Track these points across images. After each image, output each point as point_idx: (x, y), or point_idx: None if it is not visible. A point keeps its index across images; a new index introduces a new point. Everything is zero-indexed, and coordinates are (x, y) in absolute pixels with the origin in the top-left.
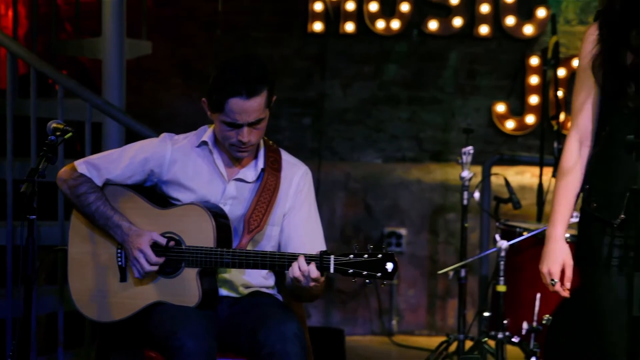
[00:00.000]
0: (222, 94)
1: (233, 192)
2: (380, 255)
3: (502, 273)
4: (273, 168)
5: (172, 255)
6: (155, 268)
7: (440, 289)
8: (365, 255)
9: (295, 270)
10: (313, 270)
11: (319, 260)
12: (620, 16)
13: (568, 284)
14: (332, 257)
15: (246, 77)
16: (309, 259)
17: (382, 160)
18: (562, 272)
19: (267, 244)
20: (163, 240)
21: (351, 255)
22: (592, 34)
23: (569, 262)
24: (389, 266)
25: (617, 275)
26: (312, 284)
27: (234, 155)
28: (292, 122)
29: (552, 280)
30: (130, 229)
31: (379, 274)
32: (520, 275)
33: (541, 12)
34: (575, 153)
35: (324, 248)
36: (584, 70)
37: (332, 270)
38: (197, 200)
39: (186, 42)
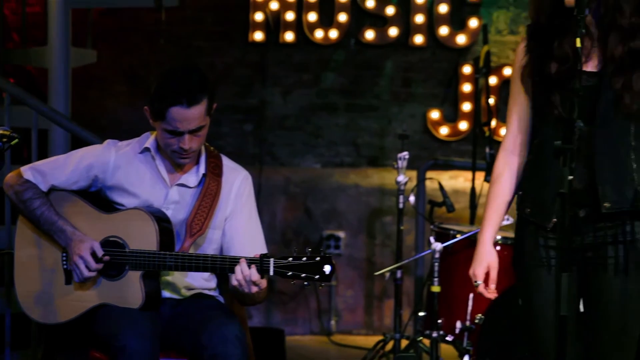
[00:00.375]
0: (164, 103)
1: (175, 197)
2: (318, 258)
3: (436, 274)
4: (214, 173)
5: (116, 259)
6: (93, 274)
7: (377, 290)
8: (304, 258)
9: (238, 273)
10: (254, 273)
11: (259, 263)
12: (545, 28)
13: (492, 286)
14: (272, 259)
15: (186, 87)
16: (249, 261)
17: (321, 166)
18: (488, 274)
19: (209, 247)
20: (100, 252)
21: (290, 258)
22: (522, 46)
23: (494, 265)
24: (327, 268)
25: (547, 275)
26: (253, 288)
27: (176, 161)
28: (233, 128)
29: (477, 281)
30: (74, 234)
31: (317, 276)
32: (454, 276)
33: (473, 23)
34: (505, 161)
35: (264, 250)
36: (515, 81)
37: (271, 273)
38: (140, 205)
39: (130, 51)
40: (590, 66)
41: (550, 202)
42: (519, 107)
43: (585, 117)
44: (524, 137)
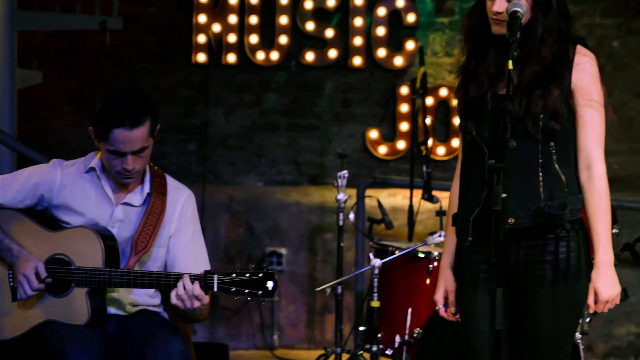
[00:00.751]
0: (107, 125)
1: (120, 216)
2: (261, 275)
3: (375, 289)
4: (159, 192)
5: (62, 276)
6: (36, 292)
7: (319, 305)
8: (247, 275)
9: (180, 288)
10: (196, 288)
11: (203, 279)
12: (472, 52)
13: (452, 309)
14: (216, 276)
15: (129, 109)
16: (193, 278)
17: (263, 184)
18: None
19: (154, 265)
20: (43, 273)
21: (234, 275)
22: (457, 69)
23: (451, 289)
24: (269, 284)
25: (481, 290)
26: (196, 303)
27: (120, 181)
28: (177, 147)
29: (437, 306)
30: (20, 252)
31: (260, 292)
32: (393, 292)
33: (410, 45)
34: (456, 186)
35: (208, 267)
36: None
37: (215, 289)
38: (86, 223)
39: (76, 72)
40: (504, 90)
41: (467, 221)
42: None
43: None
44: None
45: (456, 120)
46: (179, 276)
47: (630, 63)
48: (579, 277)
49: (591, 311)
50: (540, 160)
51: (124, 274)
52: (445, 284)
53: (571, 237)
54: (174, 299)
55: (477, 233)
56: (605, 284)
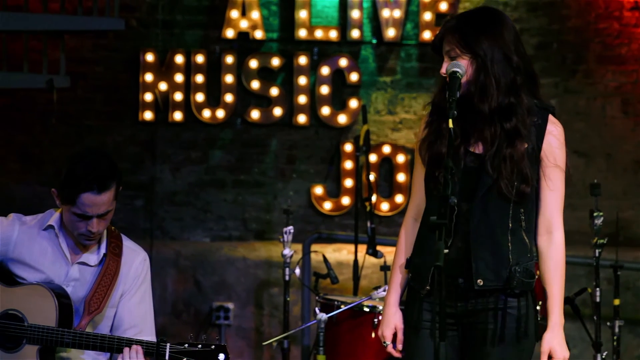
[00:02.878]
0: (75, 189)
1: (76, 275)
2: (213, 347)
3: (322, 343)
4: (114, 253)
5: (14, 332)
6: None
7: (266, 359)
8: (200, 346)
9: (125, 356)
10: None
11: (156, 346)
12: (440, 108)
13: (400, 346)
14: (169, 345)
15: (97, 173)
16: (146, 347)
17: (210, 239)
18: (396, 335)
19: (106, 326)
20: None
21: (186, 345)
22: (423, 120)
23: (400, 326)
24: (221, 357)
25: (426, 338)
26: None
27: (82, 243)
28: (125, 204)
29: (385, 342)
30: None
31: None
32: (339, 345)
33: (353, 103)
34: (409, 229)
35: (152, 332)
36: (417, 155)
37: (167, 358)
38: (41, 280)
39: (23, 129)
40: (478, 149)
41: (427, 270)
42: (419, 181)
43: (467, 195)
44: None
45: (400, 177)
46: (131, 342)
47: (567, 121)
48: (530, 335)
49: None
50: (510, 225)
51: (76, 335)
52: (395, 321)
53: (524, 298)
54: None
55: (433, 283)
56: (560, 343)
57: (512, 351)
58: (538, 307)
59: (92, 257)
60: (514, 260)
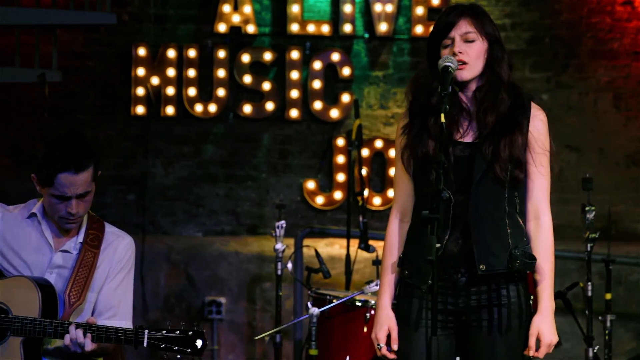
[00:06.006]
0: (52, 169)
1: (59, 262)
2: (191, 332)
3: (314, 338)
4: (91, 245)
5: None
6: None
7: (258, 353)
8: (177, 332)
9: (66, 339)
10: (88, 343)
11: (134, 333)
12: (423, 106)
13: (395, 346)
14: (147, 331)
15: (74, 153)
16: (125, 334)
17: (202, 234)
18: (389, 336)
19: (90, 310)
20: None
21: (164, 331)
22: (400, 126)
23: (394, 327)
24: (199, 343)
25: (425, 335)
26: (79, 350)
27: (63, 226)
28: (117, 198)
29: (379, 344)
30: None
31: (188, 350)
32: (331, 340)
33: (345, 98)
34: (396, 230)
35: (128, 316)
36: (397, 161)
37: (145, 344)
38: (25, 268)
39: (15, 124)
40: (467, 138)
41: (426, 265)
42: (404, 178)
43: (462, 186)
44: (411, 205)
45: (392, 171)
46: (110, 330)
47: (559, 115)
48: (526, 321)
49: (531, 354)
50: (507, 209)
51: (58, 325)
52: (389, 322)
53: (522, 285)
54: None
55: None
56: (549, 327)
57: (509, 343)
58: (531, 302)
59: (73, 245)
60: (514, 243)
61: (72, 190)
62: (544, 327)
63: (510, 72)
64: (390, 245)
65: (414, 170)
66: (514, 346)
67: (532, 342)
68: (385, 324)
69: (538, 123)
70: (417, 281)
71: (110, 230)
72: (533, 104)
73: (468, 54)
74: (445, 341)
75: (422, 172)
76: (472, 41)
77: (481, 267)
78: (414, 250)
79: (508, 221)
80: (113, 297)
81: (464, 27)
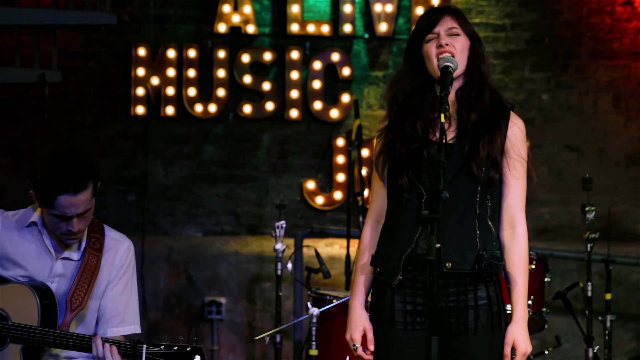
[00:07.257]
0: (51, 192)
1: (60, 270)
2: (189, 348)
3: (314, 338)
4: (94, 248)
5: None
6: None
7: (258, 354)
8: (176, 347)
9: (98, 350)
10: (115, 356)
11: (132, 348)
12: (402, 108)
13: (371, 347)
14: (145, 346)
15: (72, 175)
16: (123, 348)
17: (202, 234)
18: (365, 336)
19: (92, 318)
20: None
21: (162, 346)
22: (378, 130)
23: (369, 327)
24: (197, 359)
25: (401, 332)
26: None
27: (65, 242)
28: (117, 198)
29: (354, 345)
30: None
31: None
32: (331, 340)
33: (345, 98)
34: (371, 231)
35: (135, 321)
36: (374, 168)
37: (143, 359)
38: (26, 276)
39: (15, 124)
40: (434, 136)
41: (397, 261)
42: (377, 186)
43: (434, 183)
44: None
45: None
46: (110, 342)
47: (559, 116)
48: (500, 324)
49: None
50: (478, 211)
51: (57, 335)
52: (363, 323)
53: (493, 288)
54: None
55: (406, 273)
56: (524, 336)
57: (484, 344)
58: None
59: (75, 252)
60: (481, 245)
61: (73, 210)
62: (519, 336)
63: (490, 73)
64: (364, 246)
65: (388, 175)
66: (489, 346)
67: (507, 350)
68: (360, 324)
69: (516, 130)
70: (387, 277)
71: (109, 234)
72: (512, 113)
73: (454, 47)
74: (419, 342)
75: (395, 176)
76: (457, 35)
77: (447, 265)
78: (385, 248)
79: (478, 223)
80: (119, 303)
81: (449, 23)
